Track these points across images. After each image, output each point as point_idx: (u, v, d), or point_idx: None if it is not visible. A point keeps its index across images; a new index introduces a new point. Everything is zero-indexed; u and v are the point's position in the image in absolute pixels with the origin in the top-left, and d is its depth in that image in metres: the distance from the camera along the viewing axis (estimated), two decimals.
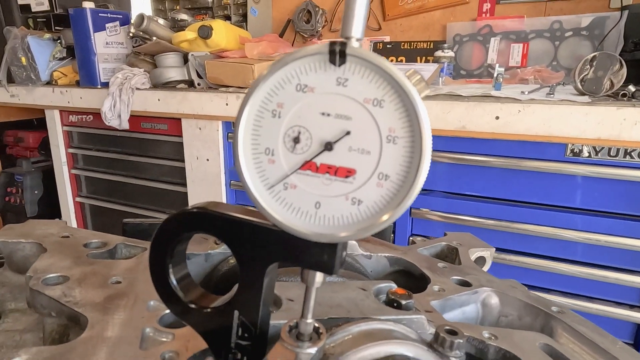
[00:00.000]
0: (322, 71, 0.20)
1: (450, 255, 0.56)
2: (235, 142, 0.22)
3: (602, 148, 1.39)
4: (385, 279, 0.45)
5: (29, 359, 0.26)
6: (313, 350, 0.24)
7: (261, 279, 0.25)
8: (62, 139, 2.64)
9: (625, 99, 1.36)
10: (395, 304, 0.36)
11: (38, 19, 2.51)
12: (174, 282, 0.26)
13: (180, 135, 2.17)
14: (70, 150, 2.67)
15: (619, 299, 1.50)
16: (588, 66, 1.40)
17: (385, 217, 0.21)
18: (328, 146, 0.21)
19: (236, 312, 0.26)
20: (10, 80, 2.55)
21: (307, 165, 0.22)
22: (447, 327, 0.29)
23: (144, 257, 0.41)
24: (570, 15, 2.00)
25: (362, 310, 0.34)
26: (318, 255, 0.23)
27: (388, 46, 2.45)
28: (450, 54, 2.12)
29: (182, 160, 2.21)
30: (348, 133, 0.21)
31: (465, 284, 0.45)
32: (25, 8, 2.49)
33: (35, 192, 2.95)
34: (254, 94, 0.21)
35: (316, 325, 0.26)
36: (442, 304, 0.41)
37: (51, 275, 0.35)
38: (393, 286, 0.39)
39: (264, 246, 0.24)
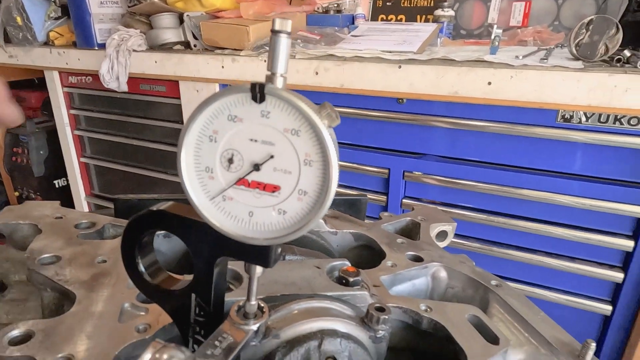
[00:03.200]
0: (248, 105, 0.24)
1: (415, 229, 0.60)
2: (179, 161, 0.26)
3: (593, 114, 1.40)
4: (349, 254, 0.50)
5: (26, 330, 0.32)
6: (255, 326, 0.30)
7: (212, 269, 0.30)
8: (63, 100, 2.66)
9: (619, 64, 1.35)
10: (344, 281, 0.42)
11: None
12: (142, 269, 0.31)
13: (179, 97, 2.18)
14: (72, 112, 2.71)
15: (600, 260, 1.56)
16: (584, 30, 1.38)
17: (305, 225, 0.25)
18: (256, 167, 0.25)
19: (193, 295, 0.31)
20: (8, 41, 2.54)
21: (241, 181, 0.26)
22: (377, 305, 0.34)
23: None
24: None
25: (313, 288, 0.39)
26: (256, 253, 0.28)
27: (388, 3, 2.39)
28: (451, 12, 2.08)
29: (182, 122, 2.24)
30: (272, 157, 0.25)
31: (418, 259, 0.50)
32: None
33: (41, 152, 3.02)
34: (192, 123, 0.25)
35: (261, 304, 0.31)
36: (392, 278, 0.47)
37: (45, 255, 0.41)
38: (346, 264, 0.44)
39: (213, 244, 0.29)
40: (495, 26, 1.63)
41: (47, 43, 2.45)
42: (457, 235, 1.73)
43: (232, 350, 0.27)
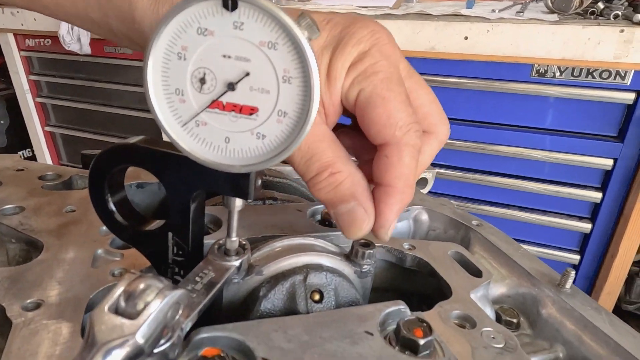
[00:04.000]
0: (220, 15, 0.22)
1: None
2: (145, 83, 0.24)
3: (566, 69, 1.41)
4: None
5: None
6: (237, 262, 0.29)
7: (188, 205, 0.28)
8: (20, 65, 2.50)
9: (592, 17, 1.35)
10: (326, 223, 0.41)
11: None
12: (113, 207, 0.29)
13: None
14: (32, 77, 2.55)
15: (570, 212, 1.62)
16: None
17: (285, 149, 0.24)
18: (231, 86, 0.23)
19: (170, 234, 0.29)
20: None
21: (215, 104, 0.24)
22: (362, 240, 0.34)
23: None
24: None
25: (295, 230, 0.38)
26: (234, 183, 0.26)
27: None
28: None
29: None
30: (248, 74, 0.23)
31: None
32: None
33: (1, 122, 2.86)
34: (157, 38, 0.22)
35: (242, 241, 0.30)
36: None
37: (8, 206, 0.38)
38: None
39: (188, 176, 0.27)
40: None
41: None
42: (433, 193, 1.76)
43: (214, 286, 0.26)
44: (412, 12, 1.52)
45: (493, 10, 1.47)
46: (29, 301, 0.28)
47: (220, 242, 0.30)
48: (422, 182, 0.62)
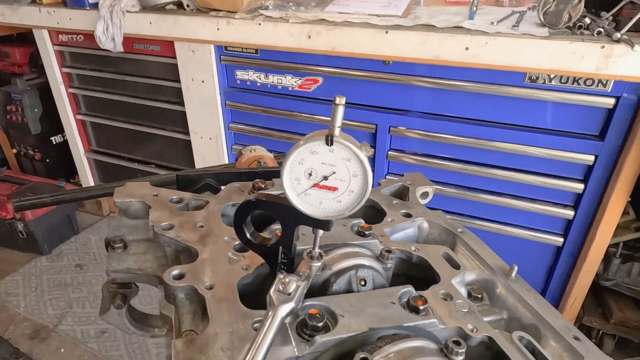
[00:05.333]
0: (322, 145, 0.43)
1: (405, 192, 0.82)
2: (282, 174, 0.46)
3: (555, 76, 1.60)
4: (360, 212, 0.72)
5: (180, 271, 0.52)
6: (319, 263, 0.51)
7: (293, 232, 0.50)
8: (55, 58, 2.69)
9: (579, 31, 1.53)
10: (362, 234, 0.63)
11: None
12: (248, 235, 0.51)
13: (174, 57, 2.26)
14: (65, 70, 2.75)
15: (556, 200, 1.84)
16: (551, 0, 1.54)
17: (352, 209, 0.46)
18: (325, 178, 0.45)
19: (280, 247, 0.51)
20: None
21: (315, 185, 0.46)
22: (386, 248, 0.56)
23: (209, 208, 0.66)
24: None
25: (344, 239, 0.60)
26: (321, 222, 0.49)
27: None
28: None
29: (178, 81, 2.33)
30: (334, 172, 0.45)
31: (408, 215, 0.72)
32: None
33: (35, 110, 3.07)
34: (290, 154, 0.44)
35: (321, 252, 0.52)
36: (392, 230, 0.68)
37: (164, 223, 0.60)
38: (362, 222, 0.65)
39: (295, 218, 0.49)
40: None
41: (35, 1, 2.45)
42: (437, 182, 1.97)
43: (310, 277, 0.48)
44: (419, 23, 1.70)
45: (492, 23, 1.64)
46: (207, 284, 0.51)
47: (307, 251, 0.53)
48: (424, 195, 0.84)
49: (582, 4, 1.50)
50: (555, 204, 1.85)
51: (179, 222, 0.62)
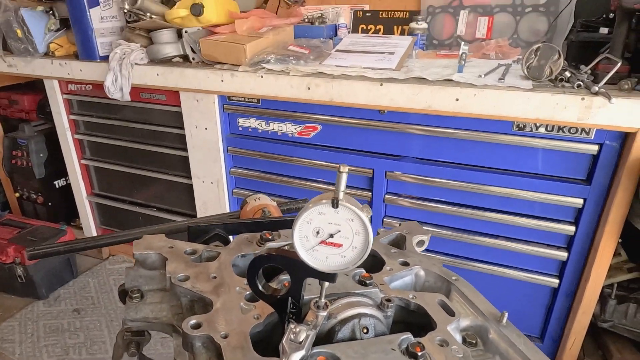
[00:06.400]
0: (329, 207, 0.50)
1: (402, 240, 0.87)
2: (292, 233, 0.52)
3: (541, 125, 1.70)
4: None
5: (197, 321, 0.57)
6: (324, 313, 0.56)
7: (302, 284, 0.55)
8: (63, 106, 2.80)
9: (560, 84, 1.64)
10: (363, 283, 0.68)
11: None
12: (260, 287, 0.56)
13: (178, 105, 2.37)
14: (72, 117, 2.85)
15: (549, 242, 1.89)
16: (533, 55, 1.66)
17: (355, 264, 0.52)
18: (330, 236, 0.51)
19: (290, 298, 0.56)
20: (6, 48, 2.64)
21: (322, 242, 0.51)
22: (386, 297, 0.61)
23: (221, 259, 0.71)
24: None
25: (347, 288, 0.65)
26: (327, 275, 0.54)
27: (367, 14, 2.62)
28: (424, 25, 2.32)
29: (182, 128, 2.43)
30: (339, 231, 0.51)
31: (405, 264, 0.77)
32: None
33: (41, 155, 3.15)
34: (299, 216, 0.50)
35: (327, 301, 0.57)
36: (391, 278, 0.73)
37: (180, 275, 0.65)
38: (362, 271, 0.71)
39: (304, 271, 0.55)
40: (462, 43, 1.87)
41: (47, 54, 2.58)
42: (432, 225, 2.03)
43: (317, 326, 0.53)
44: (412, 76, 1.81)
45: (479, 75, 1.76)
46: (222, 333, 0.55)
47: (314, 301, 0.58)
48: (420, 243, 0.89)
49: (562, 59, 1.62)
50: (549, 246, 1.90)
51: (194, 274, 0.67)
